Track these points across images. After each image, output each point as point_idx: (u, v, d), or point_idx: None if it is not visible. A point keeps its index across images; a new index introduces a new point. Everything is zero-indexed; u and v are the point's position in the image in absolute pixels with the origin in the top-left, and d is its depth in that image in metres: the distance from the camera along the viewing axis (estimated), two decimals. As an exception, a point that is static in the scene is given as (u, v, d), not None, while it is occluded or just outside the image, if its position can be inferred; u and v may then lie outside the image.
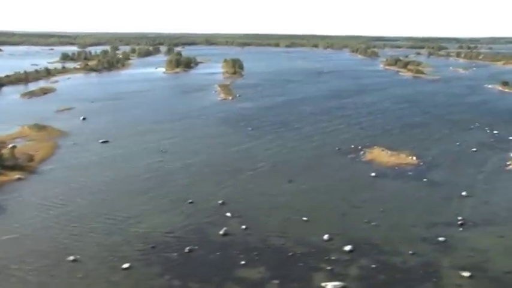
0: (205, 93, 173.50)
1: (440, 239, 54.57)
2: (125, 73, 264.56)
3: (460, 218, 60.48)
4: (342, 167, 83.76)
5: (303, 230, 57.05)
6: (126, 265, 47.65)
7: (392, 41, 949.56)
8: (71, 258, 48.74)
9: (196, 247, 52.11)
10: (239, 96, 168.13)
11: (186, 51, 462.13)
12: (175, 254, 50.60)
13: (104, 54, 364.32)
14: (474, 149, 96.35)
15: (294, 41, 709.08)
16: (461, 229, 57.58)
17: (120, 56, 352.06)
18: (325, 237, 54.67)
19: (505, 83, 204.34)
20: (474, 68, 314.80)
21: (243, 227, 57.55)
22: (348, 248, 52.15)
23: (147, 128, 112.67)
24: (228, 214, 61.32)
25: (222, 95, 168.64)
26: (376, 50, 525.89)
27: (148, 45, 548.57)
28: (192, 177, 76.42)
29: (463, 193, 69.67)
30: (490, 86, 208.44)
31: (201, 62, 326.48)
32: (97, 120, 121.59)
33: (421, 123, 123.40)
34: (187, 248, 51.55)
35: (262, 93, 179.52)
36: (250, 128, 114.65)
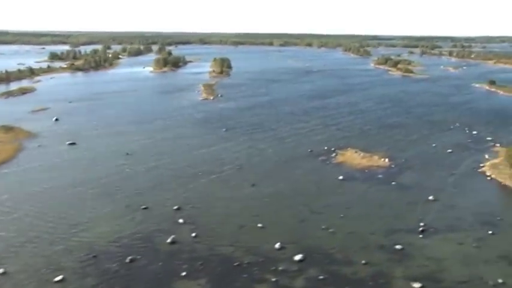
0: (188, 93, 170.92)
1: (397, 247, 52.22)
2: (111, 73, 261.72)
3: (422, 224, 58.24)
4: (310, 170, 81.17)
5: (256, 238, 54.57)
6: (59, 277, 45.13)
7: (388, 39, 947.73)
8: (0, 271, 46.42)
9: (139, 257, 49.53)
10: (221, 96, 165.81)
11: (178, 51, 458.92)
12: (116, 264, 48.07)
13: (94, 53, 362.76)
14: (450, 151, 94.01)
15: (287, 40, 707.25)
16: (421, 236, 55.32)
17: (110, 55, 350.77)
18: (277, 245, 52.14)
19: (492, 82, 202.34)
20: (465, 67, 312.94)
21: (193, 234, 55.06)
22: (298, 257, 49.80)
23: (119, 129, 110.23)
24: (181, 221, 58.86)
25: (204, 95, 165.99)
26: (369, 49, 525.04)
27: (142, 44, 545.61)
28: (152, 181, 73.90)
29: (430, 197, 67.63)
30: (477, 85, 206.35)
31: (190, 61, 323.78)
32: (70, 121, 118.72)
33: (400, 124, 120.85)
34: (129, 258, 48.96)
35: (245, 92, 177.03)
36: (224, 129, 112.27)
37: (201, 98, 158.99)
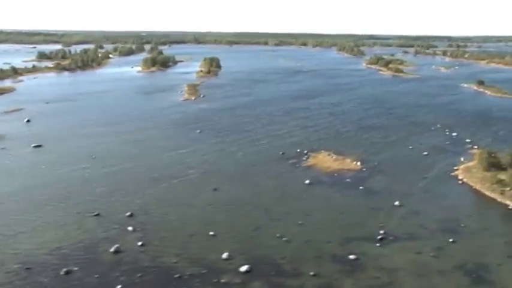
0: (170, 94, 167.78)
1: (351, 257, 49.75)
2: (98, 72, 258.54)
3: (382, 231, 55.63)
4: (278, 174, 78.57)
5: (204, 247, 51.85)
6: (-18, 292, 43.51)
7: (385, 39, 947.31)
8: None
9: (76, 268, 46.91)
10: (203, 96, 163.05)
11: (171, 50, 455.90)
12: (49, 277, 45.37)
13: (84, 53, 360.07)
14: (425, 153, 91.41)
15: (282, 40, 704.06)
16: (378, 244, 52.71)
17: (100, 55, 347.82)
18: (224, 255, 49.65)
19: (481, 83, 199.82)
20: (456, 67, 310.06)
21: (140, 243, 52.40)
22: (244, 268, 47.15)
23: (91, 131, 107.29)
24: (130, 228, 56.12)
25: (186, 95, 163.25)
26: (364, 48, 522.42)
27: (136, 43, 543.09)
28: (111, 185, 71.21)
29: (396, 203, 65.00)
30: (465, 86, 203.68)
31: (180, 61, 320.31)
32: (42, 122, 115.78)
33: (380, 125, 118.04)
34: (65, 269, 46.32)
35: (229, 93, 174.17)
36: (198, 131, 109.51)
37: (182, 99, 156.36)
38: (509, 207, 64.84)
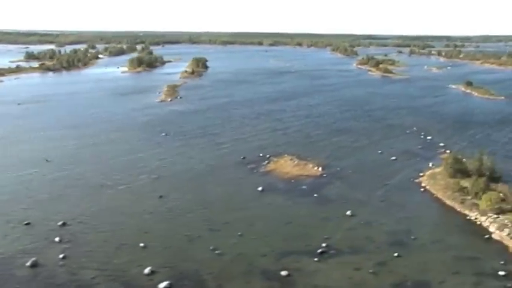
0: (147, 95, 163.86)
1: (283, 273, 45.95)
2: (83, 73, 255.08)
3: (324, 244, 51.94)
4: (232, 180, 74.71)
5: (130, 260, 48.18)
6: None
7: (383, 39, 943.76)
8: None
9: (-19, 285, 45.41)
10: (180, 97, 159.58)
11: (164, 50, 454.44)
12: (-52, 295, 43.79)
13: (74, 53, 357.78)
14: (394, 158, 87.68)
15: (277, 40, 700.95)
16: (316, 259, 48.92)
17: (89, 55, 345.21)
18: (147, 270, 45.87)
19: (469, 84, 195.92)
20: (449, 67, 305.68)
21: (62, 255, 48.78)
22: (163, 285, 43.34)
23: (53, 133, 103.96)
24: (57, 239, 52.49)
25: (163, 97, 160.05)
26: (359, 48, 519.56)
27: (130, 43, 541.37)
28: (53, 192, 67.69)
29: (348, 212, 61.53)
30: (453, 87, 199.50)
31: (169, 61, 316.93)
32: (4, 124, 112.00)
33: (354, 128, 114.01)
34: (-33, 287, 44.77)
35: (208, 94, 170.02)
36: (164, 134, 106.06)
37: (158, 100, 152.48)
38: (468, 218, 62.33)
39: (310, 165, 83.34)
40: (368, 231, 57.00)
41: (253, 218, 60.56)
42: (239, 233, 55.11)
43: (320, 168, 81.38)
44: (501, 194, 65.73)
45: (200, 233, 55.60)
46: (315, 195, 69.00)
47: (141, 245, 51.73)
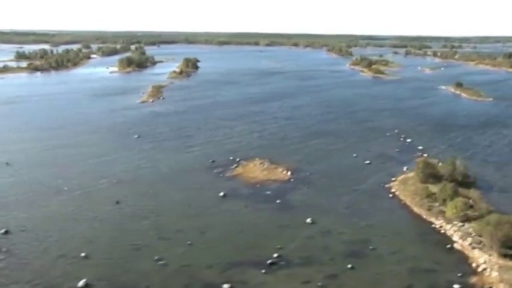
0: (130, 95, 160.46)
1: (225, 286, 43.09)
2: (71, 73, 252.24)
3: (276, 255, 49.05)
4: (195, 185, 71.58)
5: (67, 272, 45.40)
6: None
7: (382, 39, 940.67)
8: None
9: None
10: (163, 98, 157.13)
11: (159, 50, 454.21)
12: None
13: (66, 52, 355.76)
14: (368, 162, 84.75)
15: (274, 40, 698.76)
16: (264, 271, 45.87)
17: (80, 55, 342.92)
18: (81, 283, 43.01)
19: (459, 85, 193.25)
20: (442, 68, 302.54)
21: (-6, 268, 47.88)
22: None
23: (21, 135, 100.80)
24: (-6, 249, 51.89)
25: (145, 97, 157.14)
26: (356, 49, 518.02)
27: (125, 43, 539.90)
28: (4, 197, 64.27)
29: (308, 220, 58.70)
30: (443, 88, 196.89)
31: (160, 61, 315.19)
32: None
33: (333, 130, 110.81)
34: None
35: (192, 95, 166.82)
36: (137, 136, 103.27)
37: (139, 101, 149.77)
38: (433, 226, 59.73)
39: (280, 170, 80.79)
40: (325, 240, 54.22)
41: (208, 226, 57.99)
42: (189, 242, 52.32)
43: (289, 173, 78.73)
44: (471, 201, 63.41)
45: (148, 242, 52.84)
46: (278, 201, 66.33)
47: (83, 254, 49.05)
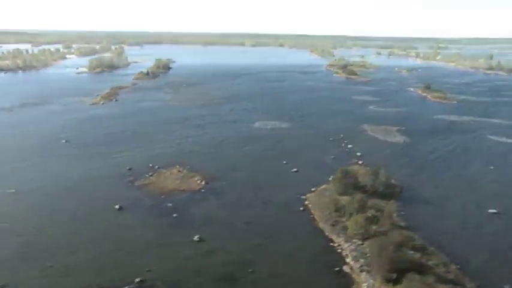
0: (84, 97, 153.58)
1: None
2: (39, 73, 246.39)
3: (138, 279, 43.21)
4: (95, 195, 65.89)
5: None
6: None
7: (372, 40, 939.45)
8: None
9: None
10: (116, 100, 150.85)
11: (139, 51, 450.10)
12: None
13: (43, 53, 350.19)
14: (295, 170, 79.38)
15: (259, 40, 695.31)
16: (118, 298, 43.04)
17: (55, 55, 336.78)
18: None
19: (427, 87, 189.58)
20: (419, 70, 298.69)
21: None
22: None
23: None
24: None
25: (97, 99, 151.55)
26: (339, 49, 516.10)
27: (107, 44, 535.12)
28: None
29: (196, 237, 52.67)
30: (411, 90, 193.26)
31: (135, 62, 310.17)
32: None
33: (273, 136, 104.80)
34: None
35: (148, 96, 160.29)
36: (64, 141, 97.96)
37: (90, 103, 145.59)
38: (331, 244, 55.01)
39: (196, 178, 75.66)
40: (205, 261, 49.10)
41: (82, 243, 52.25)
42: (49, 264, 46.81)
43: (204, 182, 73.62)
44: (380, 214, 58.32)
45: (8, 264, 47.62)
46: (175, 215, 61.18)
47: None
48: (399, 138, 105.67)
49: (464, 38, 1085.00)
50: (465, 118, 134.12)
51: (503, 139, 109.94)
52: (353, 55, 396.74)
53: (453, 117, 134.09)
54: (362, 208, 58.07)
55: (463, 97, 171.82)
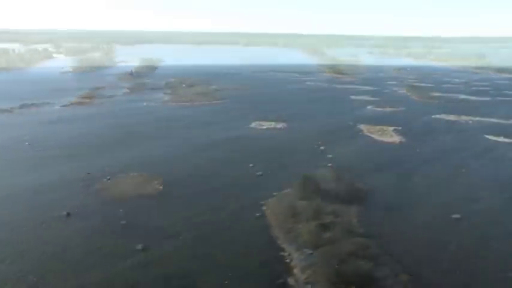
0: (61, 98, 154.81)
1: None
2: (22, 72, 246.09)
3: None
4: (42, 200, 61.35)
5: None
6: None
7: (366, 40, 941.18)
8: None
9: None
10: (93, 102, 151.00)
11: (133, 50, 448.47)
12: None
13: (29, 52, 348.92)
14: (260, 173, 75.34)
15: (253, 39, 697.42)
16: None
17: (41, 55, 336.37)
18: None
19: (412, 87, 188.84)
20: (408, 69, 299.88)
21: None
22: None
23: None
24: None
25: (74, 100, 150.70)
26: (332, 48, 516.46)
27: (102, 43, 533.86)
28: None
29: (139, 246, 53.06)
30: (395, 89, 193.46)
31: (123, 62, 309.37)
32: None
33: (247, 136, 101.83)
34: None
35: (129, 98, 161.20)
36: (27, 143, 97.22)
37: (66, 104, 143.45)
38: (282, 254, 52.82)
39: (156, 182, 74.23)
40: (143, 272, 45.90)
41: (9, 256, 50.75)
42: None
43: (162, 187, 72.40)
44: (338, 220, 56.97)
45: None
46: (123, 222, 59.65)
47: None
48: (381, 139, 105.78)
49: (459, 37, 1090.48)
50: (452, 117, 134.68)
51: (492, 137, 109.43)
52: (345, 54, 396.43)
53: (430, 117, 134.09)
54: (318, 214, 56.09)
55: (445, 96, 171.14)
